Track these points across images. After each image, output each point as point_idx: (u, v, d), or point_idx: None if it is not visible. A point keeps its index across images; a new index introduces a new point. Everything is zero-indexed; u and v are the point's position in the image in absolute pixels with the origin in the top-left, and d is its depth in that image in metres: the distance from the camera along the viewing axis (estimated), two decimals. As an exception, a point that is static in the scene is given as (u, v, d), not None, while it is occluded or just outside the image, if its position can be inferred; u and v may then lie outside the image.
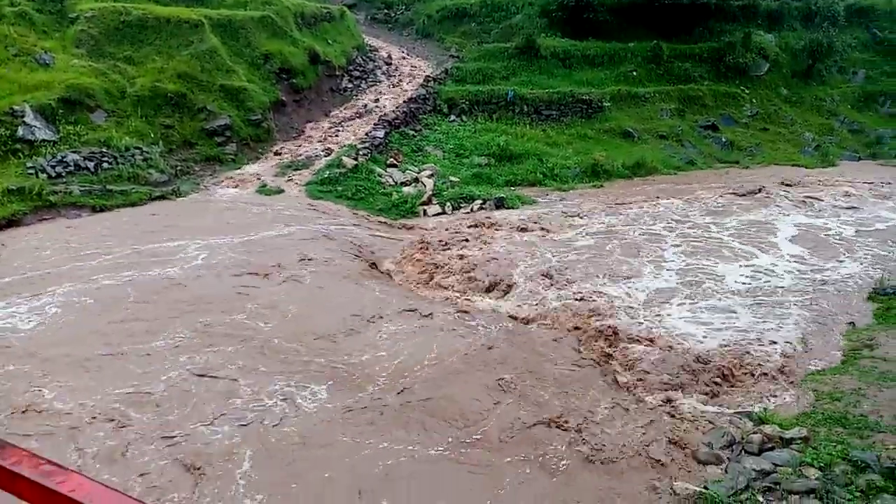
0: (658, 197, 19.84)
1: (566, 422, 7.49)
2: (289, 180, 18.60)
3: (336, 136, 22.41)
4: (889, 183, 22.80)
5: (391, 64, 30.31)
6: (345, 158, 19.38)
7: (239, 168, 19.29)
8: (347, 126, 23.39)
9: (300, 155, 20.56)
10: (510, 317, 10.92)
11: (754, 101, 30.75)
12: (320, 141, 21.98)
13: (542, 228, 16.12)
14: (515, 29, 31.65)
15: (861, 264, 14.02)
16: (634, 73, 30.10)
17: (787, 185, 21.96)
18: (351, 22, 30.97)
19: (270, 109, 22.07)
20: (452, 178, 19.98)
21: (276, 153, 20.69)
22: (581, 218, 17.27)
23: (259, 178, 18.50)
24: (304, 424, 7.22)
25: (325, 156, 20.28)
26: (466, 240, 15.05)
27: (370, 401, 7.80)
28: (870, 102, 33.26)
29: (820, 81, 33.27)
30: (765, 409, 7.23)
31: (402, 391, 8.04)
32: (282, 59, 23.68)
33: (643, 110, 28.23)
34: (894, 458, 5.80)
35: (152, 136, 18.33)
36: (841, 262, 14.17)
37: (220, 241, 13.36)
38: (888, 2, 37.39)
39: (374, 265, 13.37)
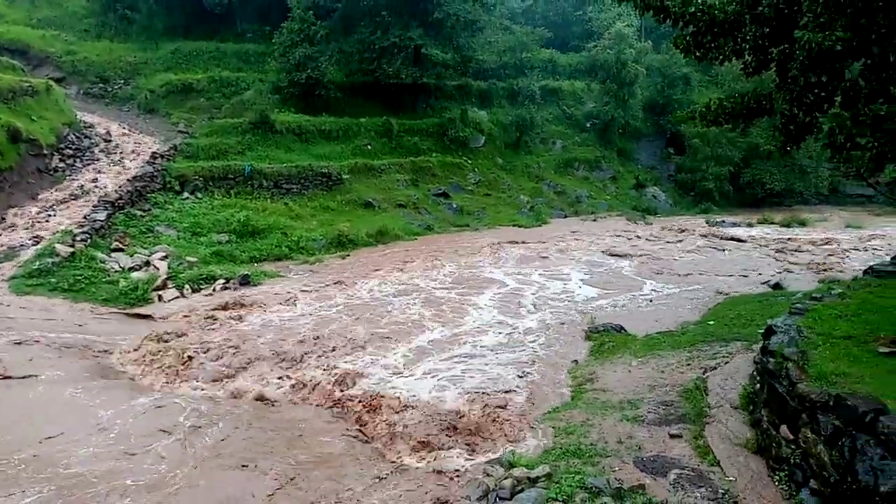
0: (403, 265, 20.70)
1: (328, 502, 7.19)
2: (-15, 276, 15.85)
3: (47, 221, 19.71)
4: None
5: (111, 141, 27.85)
6: (58, 246, 17.11)
7: (-85, 267, 15.97)
8: (61, 210, 20.75)
9: (1, 246, 17.69)
10: (257, 399, 10.36)
11: (476, 169, 34.16)
12: (27, 228, 19.13)
13: (289, 301, 15.78)
14: (247, 104, 31.34)
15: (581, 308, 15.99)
16: (369, 147, 31.63)
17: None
18: (59, 97, 27.98)
19: (-43, 195, 18.80)
20: (190, 259, 18.73)
21: (-32, 245, 17.54)
22: (330, 287, 17.27)
23: (-56, 277, 15.48)
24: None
25: (34, 244, 17.70)
26: (212, 320, 14.14)
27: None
28: (568, 167, 39.10)
29: (527, 151, 38.24)
30: (513, 452, 7.68)
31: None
32: (-29, 137, 20.47)
33: (381, 181, 29.65)
34: (620, 479, 6.54)
35: None
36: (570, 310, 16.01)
37: None
38: (571, 84, 44.58)
39: (101, 364, 11.81)
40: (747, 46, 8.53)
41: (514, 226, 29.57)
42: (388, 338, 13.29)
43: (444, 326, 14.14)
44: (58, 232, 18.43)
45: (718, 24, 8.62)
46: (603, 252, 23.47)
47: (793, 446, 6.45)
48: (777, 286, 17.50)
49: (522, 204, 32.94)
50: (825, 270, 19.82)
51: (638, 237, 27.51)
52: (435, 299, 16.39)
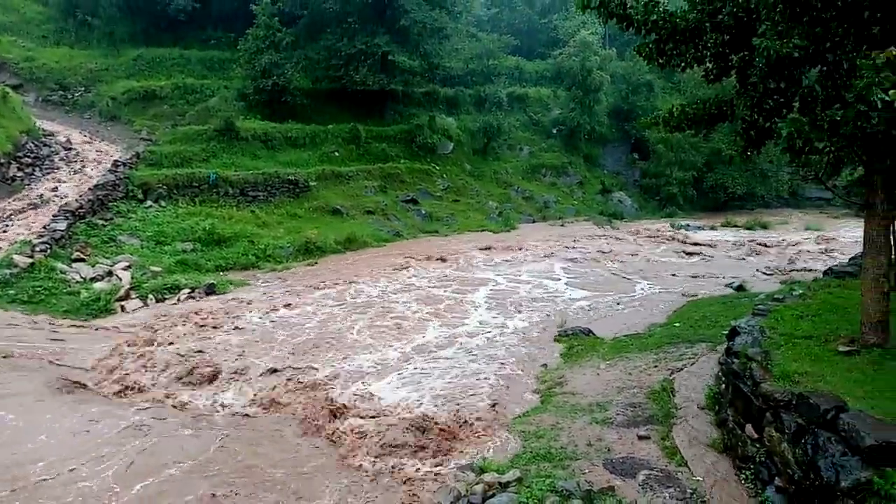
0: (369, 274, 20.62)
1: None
2: (-61, 289, 15.32)
3: (4, 231, 19.16)
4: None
5: (71, 149, 27.25)
6: (16, 257, 16.65)
7: None
8: (19, 219, 20.20)
9: (-45, 257, 17.13)
10: (233, 413, 10.18)
11: (445, 176, 34.23)
12: (-17, 239, 18.62)
13: (259, 309, 15.58)
14: (212, 111, 30.88)
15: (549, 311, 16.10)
16: (337, 154, 31.47)
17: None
18: (17, 104, 27.29)
19: None
20: (154, 268, 18.40)
21: (-80, 258, 16.94)
22: (298, 296, 17.12)
23: None
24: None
25: (-10, 256, 17.22)
26: (177, 330, 13.86)
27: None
28: (535, 173, 39.41)
29: (495, 157, 38.47)
30: (483, 458, 7.69)
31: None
32: (-77, 145, 19.84)
33: (349, 188, 29.52)
34: (590, 481, 6.59)
35: None
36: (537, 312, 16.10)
37: None
38: (537, 91, 44.96)
39: (63, 377, 11.49)
40: (708, 54, 8.71)
41: (483, 231, 29.67)
42: (359, 343, 13.21)
43: (417, 332, 14.10)
44: (16, 242, 17.92)
45: (680, 32, 8.79)
46: (572, 258, 23.66)
47: (758, 445, 6.57)
48: (740, 288, 17.85)
49: (491, 209, 33.12)
50: (787, 272, 20.28)
51: (607, 241, 27.81)
52: (420, 300, 16.35)
